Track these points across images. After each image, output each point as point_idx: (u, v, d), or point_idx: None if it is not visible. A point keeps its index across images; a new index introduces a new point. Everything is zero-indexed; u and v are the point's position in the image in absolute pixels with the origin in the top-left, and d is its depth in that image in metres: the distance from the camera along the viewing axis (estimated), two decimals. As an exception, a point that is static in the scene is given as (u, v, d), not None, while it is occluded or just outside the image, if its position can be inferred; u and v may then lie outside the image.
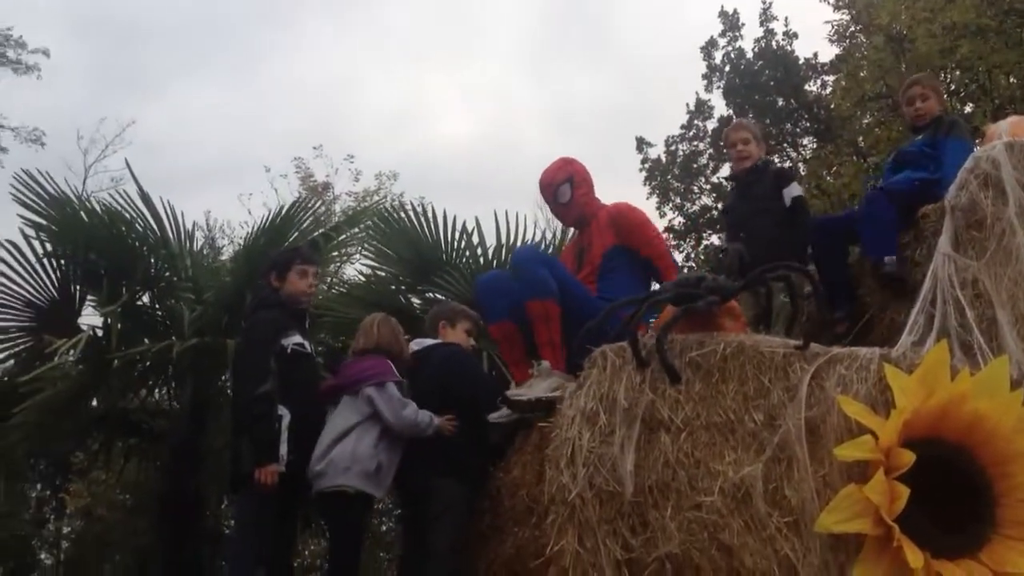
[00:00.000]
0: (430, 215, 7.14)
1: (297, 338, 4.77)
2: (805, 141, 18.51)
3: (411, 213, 7.21)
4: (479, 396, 4.77)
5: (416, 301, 7.23)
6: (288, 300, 4.92)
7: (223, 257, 10.65)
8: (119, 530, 13.84)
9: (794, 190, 5.55)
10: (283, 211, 7.22)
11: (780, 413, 3.96)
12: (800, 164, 17.56)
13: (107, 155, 22.39)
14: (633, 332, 4.07)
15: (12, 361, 6.88)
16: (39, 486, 15.50)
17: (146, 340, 6.75)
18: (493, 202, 19.39)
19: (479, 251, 7.19)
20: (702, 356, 4.12)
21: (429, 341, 4.91)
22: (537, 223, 7.02)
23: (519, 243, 7.25)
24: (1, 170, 20.79)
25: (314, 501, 4.75)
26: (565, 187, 4.96)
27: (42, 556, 16.80)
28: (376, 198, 18.78)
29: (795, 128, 18.36)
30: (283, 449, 4.49)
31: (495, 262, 7.17)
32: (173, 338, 6.25)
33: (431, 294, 7.12)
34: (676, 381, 4.01)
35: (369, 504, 4.73)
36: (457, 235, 7.15)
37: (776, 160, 15.44)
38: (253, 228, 7.32)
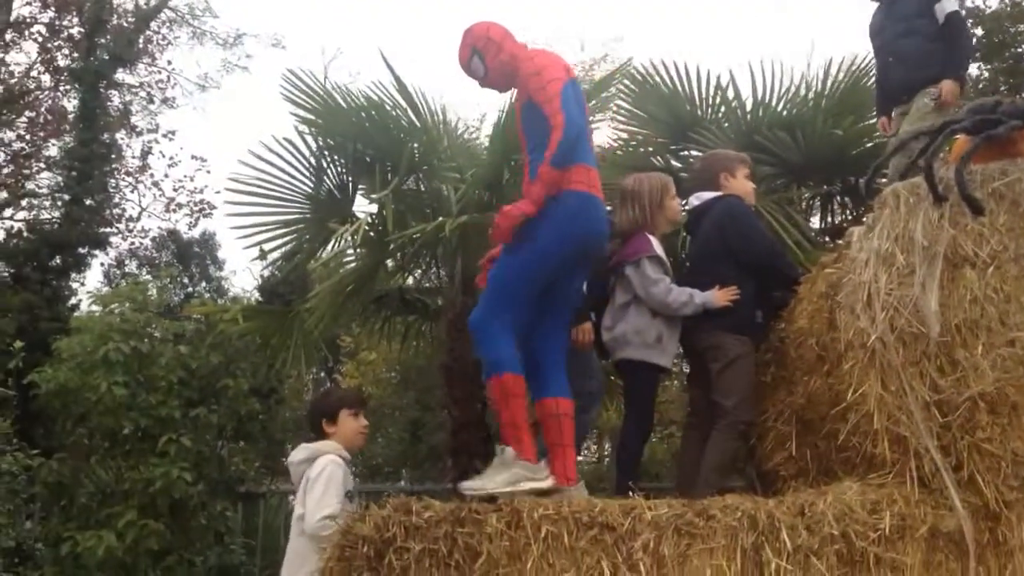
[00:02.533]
0: (681, 72, 6.95)
1: None
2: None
3: (662, 71, 7.03)
4: (753, 251, 4.71)
5: (674, 163, 7.14)
6: None
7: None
8: (389, 405, 14.81)
9: (948, 5, 5.04)
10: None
11: (1101, 238, 3.70)
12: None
13: (340, 54, 23.26)
14: (928, 166, 3.86)
15: (301, 252, 7.37)
16: (315, 369, 16.68)
17: (413, 223, 7.05)
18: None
19: (734, 104, 6.97)
20: (1006, 185, 3.89)
21: (708, 195, 4.84)
22: (794, 70, 6.65)
23: (775, 98, 6.96)
24: (249, 75, 22.06)
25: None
26: (476, 62, 4.27)
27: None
28: (605, 65, 18.48)
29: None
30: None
31: (749, 117, 6.94)
32: (441, 218, 6.49)
33: (685, 152, 7.02)
34: (979, 214, 3.80)
35: (658, 373, 4.84)
36: (711, 91, 6.95)
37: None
38: (505, 105, 7.42)
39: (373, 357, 14.30)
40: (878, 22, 5.47)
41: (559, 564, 3.29)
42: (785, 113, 6.86)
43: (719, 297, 4.61)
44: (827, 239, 6.79)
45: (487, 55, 4.23)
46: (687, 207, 5.17)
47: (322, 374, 17.49)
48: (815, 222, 7.31)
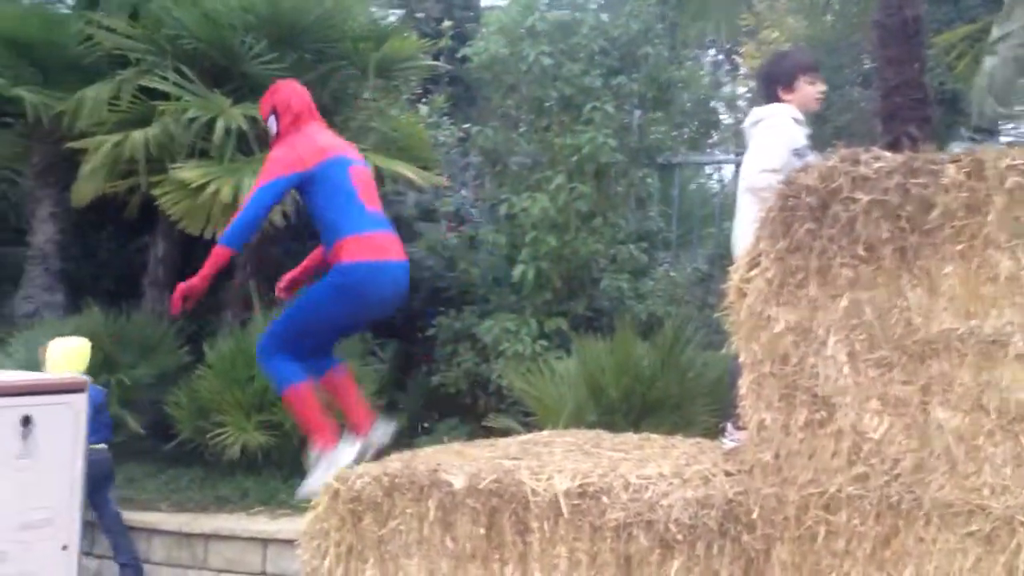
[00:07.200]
0: None
1: None
2: None
3: None
4: None
5: None
6: None
7: None
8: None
9: None
10: None
11: None
12: None
13: None
14: None
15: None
16: (712, 52, 16.19)
17: None
18: None
19: None
20: None
21: None
22: None
23: None
24: None
25: None
26: (271, 120, 4.47)
27: (721, 116, 17.95)
28: None
29: None
30: None
31: None
32: None
33: None
34: None
35: None
36: None
37: None
38: None
39: (776, 35, 13.61)
40: None
41: (1025, 216, 3.04)
42: None
43: None
44: None
45: (283, 118, 4.42)
46: None
47: (720, 56, 17.06)
48: None
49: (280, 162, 4.26)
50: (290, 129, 4.42)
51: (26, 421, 4.16)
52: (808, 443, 2.95)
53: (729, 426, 4.01)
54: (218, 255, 4.19)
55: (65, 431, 4.33)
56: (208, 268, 4.20)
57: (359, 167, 4.41)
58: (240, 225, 4.20)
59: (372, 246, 4.20)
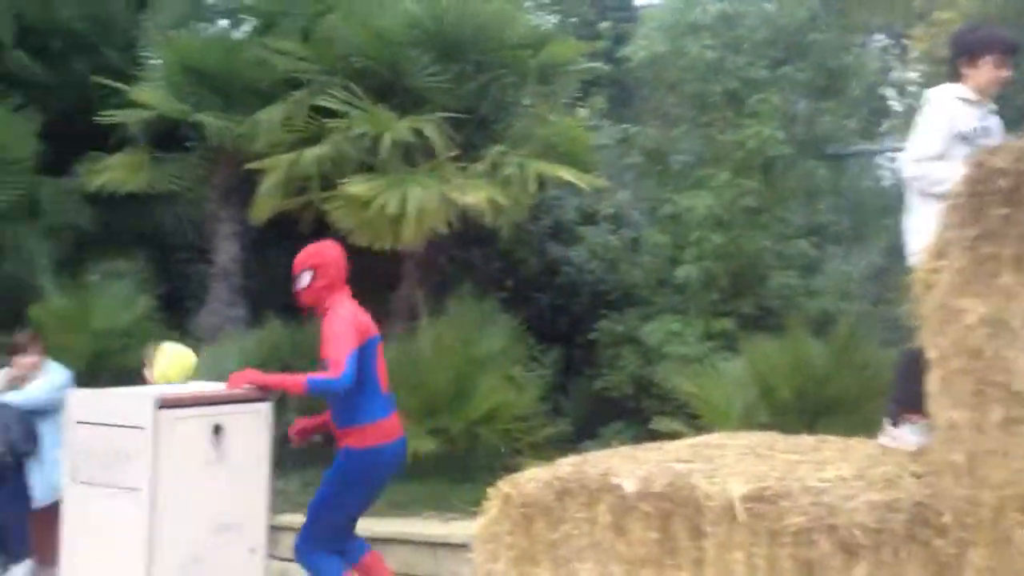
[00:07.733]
0: None
1: None
2: None
3: None
4: None
5: None
6: None
7: None
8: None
9: None
10: None
11: None
12: None
13: None
14: None
15: None
16: (880, 36, 15.50)
17: None
18: None
19: None
20: None
21: None
22: None
23: None
24: None
25: None
26: (305, 276, 4.61)
27: (891, 103, 17.16)
28: None
29: None
30: None
31: None
32: None
33: None
34: None
35: None
36: None
37: None
38: None
39: (947, 16, 12.89)
40: None
41: None
42: None
43: None
44: None
45: (318, 280, 4.56)
46: None
47: (889, 40, 16.31)
48: None
49: (354, 334, 4.41)
50: (322, 293, 4.57)
51: (217, 429, 4.34)
52: (1003, 442, 2.77)
53: (887, 422, 3.81)
54: (294, 387, 4.53)
55: (253, 438, 4.50)
56: (278, 383, 4.56)
57: (379, 343, 4.65)
58: (327, 389, 4.42)
59: (383, 432, 4.56)
